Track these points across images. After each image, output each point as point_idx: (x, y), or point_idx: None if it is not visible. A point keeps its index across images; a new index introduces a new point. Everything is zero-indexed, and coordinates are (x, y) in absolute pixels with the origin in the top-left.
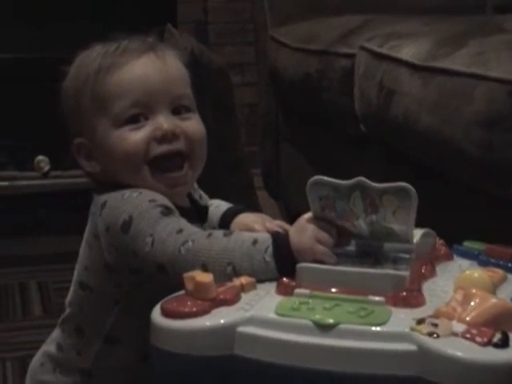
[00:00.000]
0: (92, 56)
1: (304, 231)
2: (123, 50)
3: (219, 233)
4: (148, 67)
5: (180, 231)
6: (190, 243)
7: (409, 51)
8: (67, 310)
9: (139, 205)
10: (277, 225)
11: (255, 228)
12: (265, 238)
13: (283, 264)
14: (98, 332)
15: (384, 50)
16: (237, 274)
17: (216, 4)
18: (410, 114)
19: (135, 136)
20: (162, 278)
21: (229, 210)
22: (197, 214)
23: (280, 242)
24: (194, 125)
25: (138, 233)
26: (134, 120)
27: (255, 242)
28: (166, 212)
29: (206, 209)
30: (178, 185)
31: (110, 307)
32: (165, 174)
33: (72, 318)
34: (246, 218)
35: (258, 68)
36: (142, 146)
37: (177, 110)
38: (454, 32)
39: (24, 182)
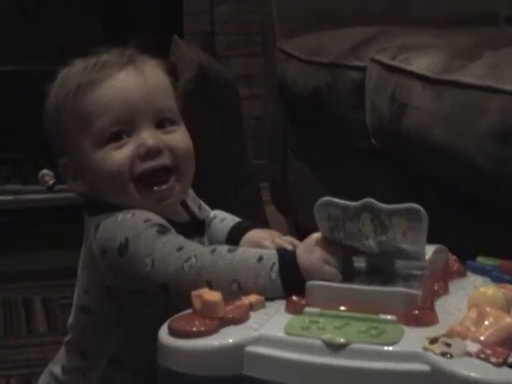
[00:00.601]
0: (72, 73)
1: (313, 251)
2: (102, 66)
3: (223, 248)
4: (127, 82)
5: (180, 248)
6: (193, 260)
7: (421, 64)
8: (69, 334)
9: (134, 226)
10: (287, 241)
11: (264, 244)
12: (270, 255)
13: (289, 282)
14: (101, 355)
15: (396, 63)
16: (242, 291)
17: (223, 15)
18: (422, 127)
19: (118, 155)
20: (163, 297)
21: (237, 225)
22: (195, 228)
23: (286, 259)
24: (178, 137)
25: (136, 255)
26: (116, 138)
27: (260, 258)
28: (163, 230)
29: (203, 222)
30: (166, 198)
31: (112, 329)
32: (151, 190)
33: (75, 342)
34: (255, 234)
35: (266, 80)
36: (125, 164)
37: (160, 124)
38: (467, 44)
39: (28, 196)
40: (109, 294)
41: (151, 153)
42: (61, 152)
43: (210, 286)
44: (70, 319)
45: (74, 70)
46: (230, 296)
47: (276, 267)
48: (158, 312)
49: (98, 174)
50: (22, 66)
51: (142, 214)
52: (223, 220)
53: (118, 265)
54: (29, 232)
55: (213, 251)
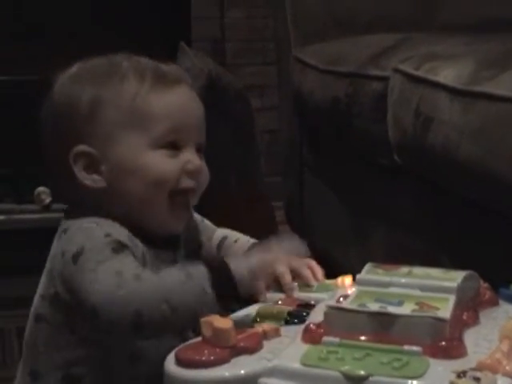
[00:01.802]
0: (122, 67)
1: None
2: (163, 73)
3: (147, 272)
4: (187, 97)
5: (118, 273)
6: (122, 290)
7: (448, 74)
8: (23, 353)
9: (93, 237)
10: (304, 264)
11: (277, 268)
12: (200, 270)
13: (223, 291)
14: (55, 371)
15: (420, 73)
16: (173, 310)
17: (234, 20)
18: (449, 143)
19: (171, 163)
20: (94, 323)
21: (253, 247)
22: (169, 242)
23: (219, 272)
24: (206, 167)
25: (84, 267)
26: (171, 146)
27: (190, 276)
28: (118, 249)
29: (177, 237)
30: (184, 219)
31: (65, 338)
32: (179, 207)
33: (26, 359)
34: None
35: (280, 91)
36: (175, 175)
37: (198, 148)
38: (499, 52)
39: (23, 216)
40: (58, 300)
41: (196, 173)
42: (75, 140)
43: (140, 313)
44: (25, 334)
45: (125, 64)
46: (161, 320)
47: (207, 279)
48: None
49: (144, 175)
50: (18, 77)
51: (106, 227)
52: (237, 241)
53: (68, 273)
54: (23, 254)
55: (137, 277)
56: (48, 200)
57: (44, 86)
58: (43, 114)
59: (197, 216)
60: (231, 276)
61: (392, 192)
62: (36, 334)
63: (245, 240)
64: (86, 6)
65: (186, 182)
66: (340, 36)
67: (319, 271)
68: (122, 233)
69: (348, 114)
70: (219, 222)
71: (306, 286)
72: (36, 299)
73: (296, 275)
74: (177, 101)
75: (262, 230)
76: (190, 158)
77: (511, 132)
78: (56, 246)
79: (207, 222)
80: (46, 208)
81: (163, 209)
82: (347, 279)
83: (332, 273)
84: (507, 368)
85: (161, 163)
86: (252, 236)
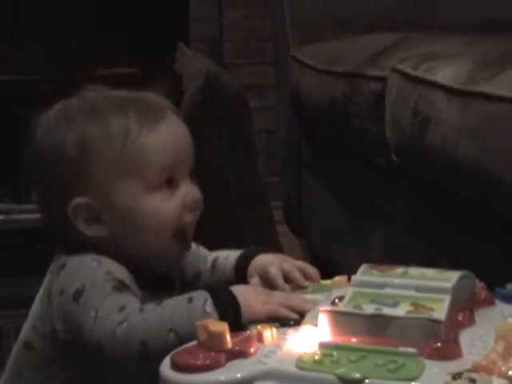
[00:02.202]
0: (102, 108)
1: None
2: (147, 108)
3: (150, 305)
4: (175, 129)
5: (121, 309)
6: (125, 324)
7: (447, 74)
8: (4, 374)
9: (95, 275)
10: (296, 267)
11: (270, 272)
12: (200, 293)
13: (226, 312)
14: None
15: (419, 73)
16: (179, 337)
17: (232, 20)
18: (447, 143)
19: (171, 204)
20: (100, 361)
21: (243, 254)
22: (165, 283)
23: (218, 290)
24: (199, 191)
25: (86, 304)
26: (167, 184)
27: (191, 299)
28: (120, 287)
29: (172, 280)
30: (187, 251)
31: (53, 374)
32: (182, 241)
33: (8, 382)
34: (262, 259)
35: (279, 91)
36: (177, 215)
37: (190, 173)
38: (497, 53)
39: (22, 216)
40: (54, 337)
41: (197, 204)
42: (70, 193)
43: (147, 345)
44: (10, 357)
45: (102, 109)
46: (168, 348)
47: (209, 301)
48: (108, 369)
49: (145, 220)
50: (19, 76)
51: (107, 265)
52: (227, 257)
53: (70, 311)
54: (23, 255)
55: (141, 310)
56: None
57: (43, 85)
58: (28, 162)
59: (192, 245)
60: (233, 297)
61: (390, 192)
62: (22, 360)
63: (234, 254)
64: (86, 6)
65: (187, 217)
66: (338, 36)
67: (313, 272)
68: (122, 272)
69: (346, 113)
70: (218, 222)
71: (300, 287)
72: (27, 327)
73: (287, 278)
74: (166, 137)
75: (260, 230)
76: (188, 190)
77: (509, 132)
78: (53, 282)
79: (202, 249)
80: None
81: (166, 247)
82: (342, 280)
83: (330, 273)
84: (503, 369)
85: (161, 207)
86: (250, 236)
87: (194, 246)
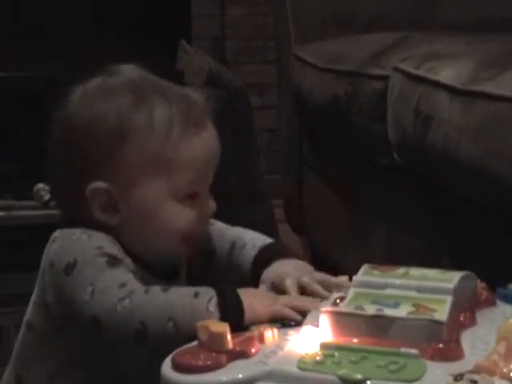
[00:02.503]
0: (149, 97)
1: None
2: (191, 105)
3: (157, 288)
4: (212, 142)
5: (123, 285)
6: (127, 301)
7: (448, 73)
8: (12, 359)
9: (85, 250)
10: (318, 279)
11: (286, 284)
12: (207, 290)
13: (228, 314)
14: (39, 381)
15: (421, 72)
16: (177, 328)
17: (234, 18)
18: (449, 142)
19: (191, 214)
20: (95, 332)
21: (260, 255)
22: (168, 271)
23: (227, 292)
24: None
25: (79, 279)
26: (191, 195)
27: (197, 294)
28: (112, 262)
29: (176, 267)
30: (186, 255)
31: (52, 352)
32: (189, 244)
33: (14, 363)
34: (279, 268)
35: (280, 89)
36: (193, 225)
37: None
38: (500, 52)
39: (22, 213)
40: (49, 311)
41: (211, 216)
42: (92, 175)
43: (145, 326)
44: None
45: (150, 103)
46: (165, 336)
47: (214, 300)
48: (100, 345)
49: (163, 225)
50: (17, 73)
51: (98, 240)
52: (244, 246)
53: (61, 284)
54: (23, 251)
55: (146, 291)
56: (47, 197)
57: (44, 83)
58: (56, 131)
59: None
60: (239, 302)
61: (391, 191)
62: (25, 341)
63: (250, 244)
64: (87, 4)
65: (201, 228)
66: (340, 35)
67: (337, 282)
68: (113, 246)
69: (348, 112)
70: (218, 220)
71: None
72: (29, 306)
73: (306, 292)
74: (203, 150)
75: (260, 229)
76: (209, 202)
77: (510, 131)
78: (45, 256)
79: (217, 225)
80: (46, 205)
81: (173, 249)
82: (343, 279)
83: (331, 272)
84: (504, 370)
85: (181, 215)
86: None
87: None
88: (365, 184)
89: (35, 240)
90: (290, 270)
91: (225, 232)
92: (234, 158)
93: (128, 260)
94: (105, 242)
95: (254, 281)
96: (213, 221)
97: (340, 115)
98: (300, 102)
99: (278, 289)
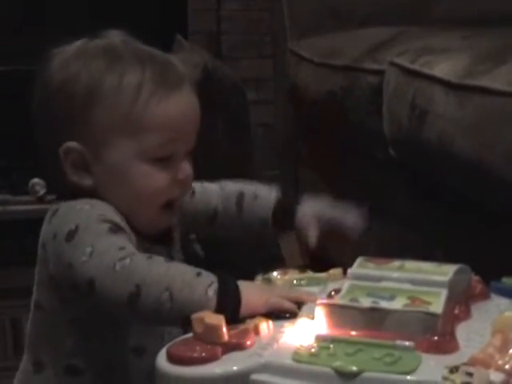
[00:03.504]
0: (123, 59)
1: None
2: (167, 68)
3: (160, 257)
4: (186, 103)
5: (122, 248)
6: (128, 260)
7: (444, 68)
8: (26, 341)
9: (88, 217)
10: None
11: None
12: (209, 274)
13: (224, 303)
14: (57, 362)
15: (416, 66)
16: (172, 301)
17: (230, 13)
18: (444, 137)
19: (162, 177)
20: (90, 296)
21: (280, 204)
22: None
23: (227, 281)
24: (191, 169)
25: (79, 242)
26: (165, 159)
27: (199, 274)
28: (115, 229)
29: (170, 231)
30: (168, 223)
31: (65, 328)
32: (168, 211)
33: (30, 349)
34: (310, 207)
35: (276, 84)
36: (166, 188)
37: (187, 151)
38: (495, 46)
39: (17, 207)
40: (53, 285)
41: (187, 181)
42: (68, 135)
43: (139, 289)
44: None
45: (121, 62)
46: (158, 305)
47: (215, 286)
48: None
49: (132, 187)
50: (8, 67)
51: (100, 208)
52: (257, 197)
53: (62, 251)
54: (18, 245)
55: (149, 257)
56: (42, 191)
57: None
58: (36, 93)
59: (196, 187)
60: (237, 294)
61: (387, 185)
62: (36, 322)
63: (265, 194)
64: None
65: (176, 192)
66: (336, 29)
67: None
68: (116, 215)
69: (343, 107)
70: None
71: (297, 280)
72: (34, 289)
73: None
74: (176, 110)
75: None
76: (181, 166)
77: (506, 126)
78: (46, 229)
79: (208, 186)
80: (41, 199)
81: (151, 216)
82: (338, 272)
83: (326, 266)
84: (499, 363)
85: (152, 177)
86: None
87: (198, 185)
88: (360, 178)
89: (30, 234)
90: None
91: (224, 186)
92: (228, 153)
93: (128, 229)
94: (107, 210)
95: (274, 226)
96: (201, 184)
97: (335, 110)
98: (296, 97)
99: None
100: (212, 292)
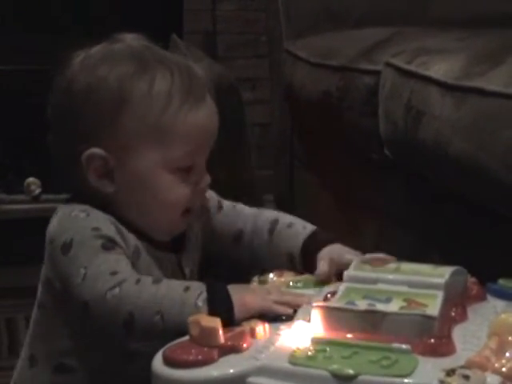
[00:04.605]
0: (150, 66)
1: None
2: (192, 76)
3: (148, 280)
4: (211, 114)
5: (114, 273)
6: (117, 290)
7: (440, 68)
8: (26, 336)
9: (82, 231)
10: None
11: (347, 258)
12: (198, 285)
13: (217, 310)
14: (49, 359)
15: (412, 67)
16: (164, 321)
17: (226, 13)
18: (440, 138)
19: (184, 188)
20: (84, 317)
21: (313, 236)
22: (171, 244)
23: (216, 287)
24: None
25: (74, 260)
26: (188, 169)
27: (187, 288)
28: (108, 246)
29: (179, 239)
30: (183, 229)
31: (59, 328)
32: (187, 217)
33: (28, 344)
34: (337, 249)
35: (272, 84)
36: (187, 199)
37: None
38: (491, 47)
39: (12, 206)
40: (50, 285)
41: (206, 190)
42: (92, 140)
43: (133, 316)
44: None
45: (157, 73)
46: (152, 328)
47: (204, 295)
48: None
49: (155, 196)
50: (9, 67)
51: (95, 220)
52: (291, 226)
53: (58, 261)
54: (12, 245)
55: (138, 281)
56: (38, 191)
57: (35, 78)
58: (55, 97)
59: (226, 204)
60: (228, 298)
61: (382, 186)
62: (37, 319)
63: (300, 226)
64: None
65: (196, 201)
66: (332, 30)
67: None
68: (110, 228)
69: (339, 107)
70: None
71: (293, 282)
72: (38, 286)
73: None
74: (202, 122)
75: None
76: (204, 175)
77: (502, 127)
78: (47, 230)
79: (240, 208)
80: (36, 199)
81: (170, 223)
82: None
83: None
84: (496, 365)
85: (175, 187)
86: None
87: (229, 204)
88: (356, 179)
89: (25, 234)
90: (349, 250)
91: (261, 212)
92: (224, 153)
93: (130, 236)
94: (102, 223)
95: (301, 259)
96: (233, 205)
97: (331, 110)
98: (291, 97)
99: (337, 264)
100: (201, 302)
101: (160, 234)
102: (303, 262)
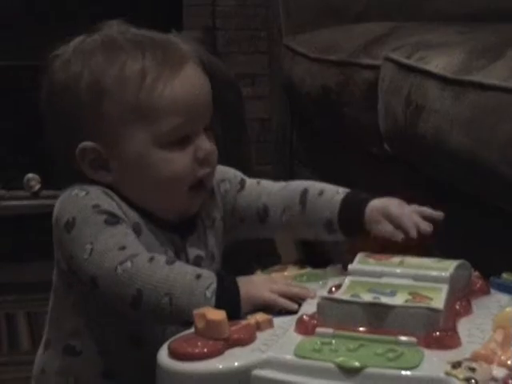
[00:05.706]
0: (122, 48)
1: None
2: (168, 49)
3: (161, 259)
4: (194, 80)
5: (122, 248)
6: (129, 264)
7: (439, 63)
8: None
9: (83, 209)
10: (416, 211)
11: (392, 211)
12: (210, 275)
13: (224, 303)
14: (59, 341)
15: (412, 62)
16: (172, 305)
17: (226, 8)
18: (440, 132)
19: (182, 159)
20: (92, 290)
21: (351, 196)
22: (178, 225)
23: (226, 280)
24: (214, 145)
25: (78, 238)
26: (182, 141)
27: (199, 276)
28: (112, 221)
29: (189, 221)
30: (197, 206)
31: (68, 311)
32: (199, 194)
33: (45, 331)
34: (381, 202)
35: (271, 79)
36: (189, 169)
37: (205, 128)
38: (491, 42)
39: (12, 202)
40: (59, 267)
41: (209, 158)
42: (81, 135)
43: (140, 294)
44: None
45: (122, 54)
46: (158, 308)
47: (213, 286)
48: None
49: (156, 175)
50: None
51: (95, 197)
52: (322, 193)
53: (63, 240)
54: (12, 241)
55: (151, 259)
56: (37, 187)
57: (33, 72)
58: (43, 102)
59: (249, 183)
60: (237, 293)
61: (382, 181)
62: (51, 305)
63: (332, 191)
64: None
65: (201, 172)
66: (331, 25)
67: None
68: (111, 203)
69: (339, 102)
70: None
71: (297, 276)
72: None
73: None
74: (182, 91)
75: None
76: (200, 144)
77: (501, 121)
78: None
79: (264, 184)
80: (36, 194)
81: (181, 200)
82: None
83: (323, 262)
84: (502, 358)
85: (172, 161)
86: None
87: (253, 182)
88: (355, 174)
89: (25, 230)
90: (394, 201)
91: (288, 184)
92: (224, 149)
93: (132, 214)
94: (102, 200)
95: (338, 225)
96: (257, 181)
97: (331, 105)
98: (291, 92)
99: (388, 218)
100: (210, 293)
101: (169, 213)
102: (343, 226)
